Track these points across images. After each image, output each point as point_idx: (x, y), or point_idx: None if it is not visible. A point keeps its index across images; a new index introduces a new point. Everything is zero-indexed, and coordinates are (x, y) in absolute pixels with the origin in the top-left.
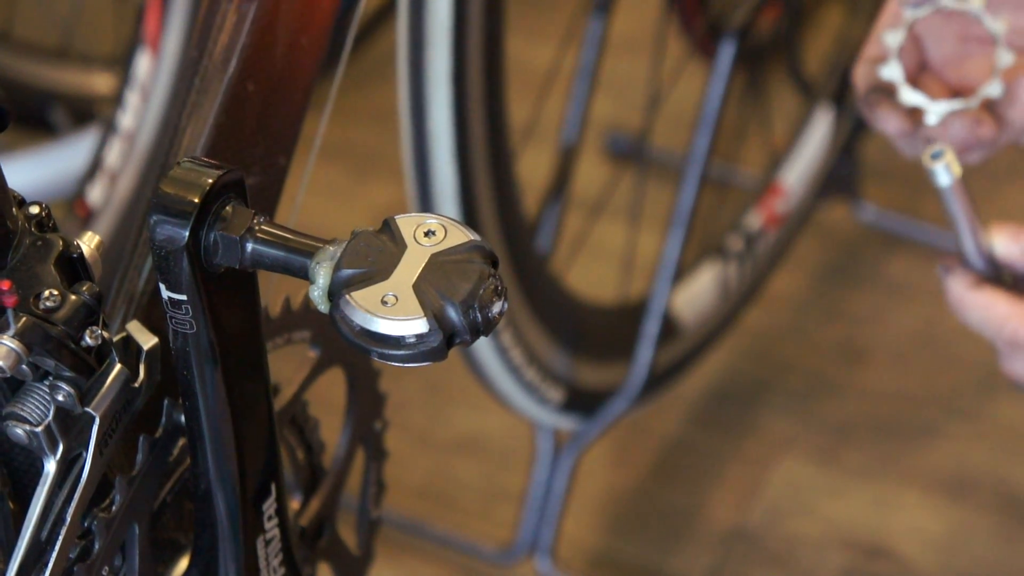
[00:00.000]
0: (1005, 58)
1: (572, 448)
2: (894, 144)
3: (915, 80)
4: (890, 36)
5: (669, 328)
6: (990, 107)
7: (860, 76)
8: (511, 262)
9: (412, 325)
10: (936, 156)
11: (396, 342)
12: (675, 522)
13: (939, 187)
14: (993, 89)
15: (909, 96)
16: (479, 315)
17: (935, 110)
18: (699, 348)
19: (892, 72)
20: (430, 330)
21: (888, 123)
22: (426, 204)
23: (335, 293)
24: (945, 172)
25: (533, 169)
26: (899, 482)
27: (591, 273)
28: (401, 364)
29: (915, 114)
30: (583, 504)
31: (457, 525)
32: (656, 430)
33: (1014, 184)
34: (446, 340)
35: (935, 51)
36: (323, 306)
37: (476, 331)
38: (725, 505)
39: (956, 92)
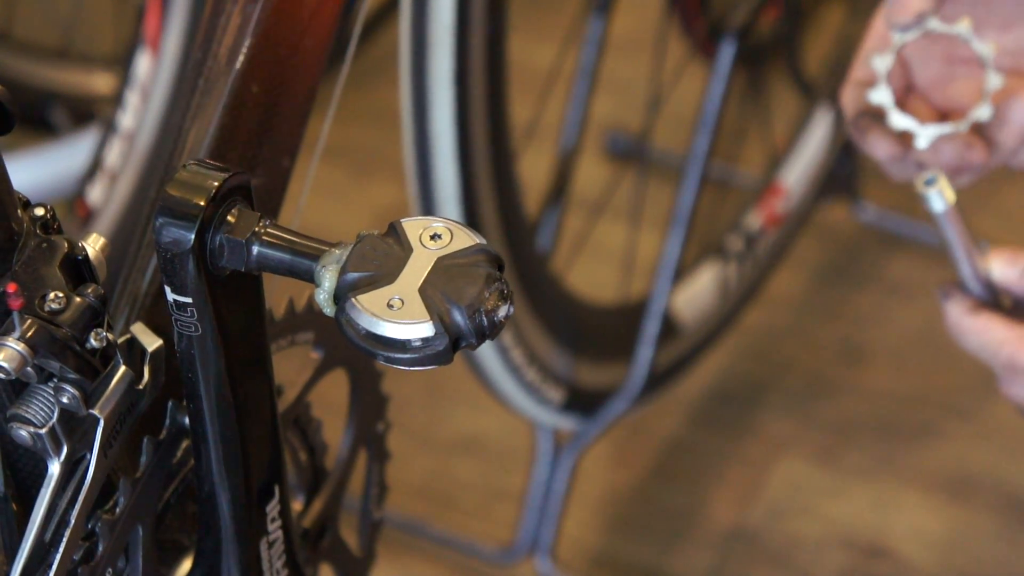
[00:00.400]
0: (994, 81)
1: (572, 448)
2: (884, 168)
3: (902, 102)
4: (879, 61)
5: (669, 328)
6: (979, 130)
7: (848, 100)
8: (512, 262)
9: (418, 329)
10: (930, 182)
11: (402, 346)
12: (675, 522)
13: (933, 213)
14: (983, 112)
15: (899, 120)
16: (485, 319)
17: (925, 134)
18: (699, 348)
19: (881, 96)
20: (436, 334)
21: (878, 148)
22: (427, 204)
23: (341, 297)
24: (939, 198)
25: (534, 169)
26: (899, 482)
27: (591, 273)
28: (407, 368)
29: (905, 138)
30: (583, 504)
31: (457, 525)
32: (656, 430)
33: (1014, 184)
34: (452, 344)
35: (921, 73)
36: (329, 309)
37: (482, 335)
38: (725, 505)
39: (943, 113)
